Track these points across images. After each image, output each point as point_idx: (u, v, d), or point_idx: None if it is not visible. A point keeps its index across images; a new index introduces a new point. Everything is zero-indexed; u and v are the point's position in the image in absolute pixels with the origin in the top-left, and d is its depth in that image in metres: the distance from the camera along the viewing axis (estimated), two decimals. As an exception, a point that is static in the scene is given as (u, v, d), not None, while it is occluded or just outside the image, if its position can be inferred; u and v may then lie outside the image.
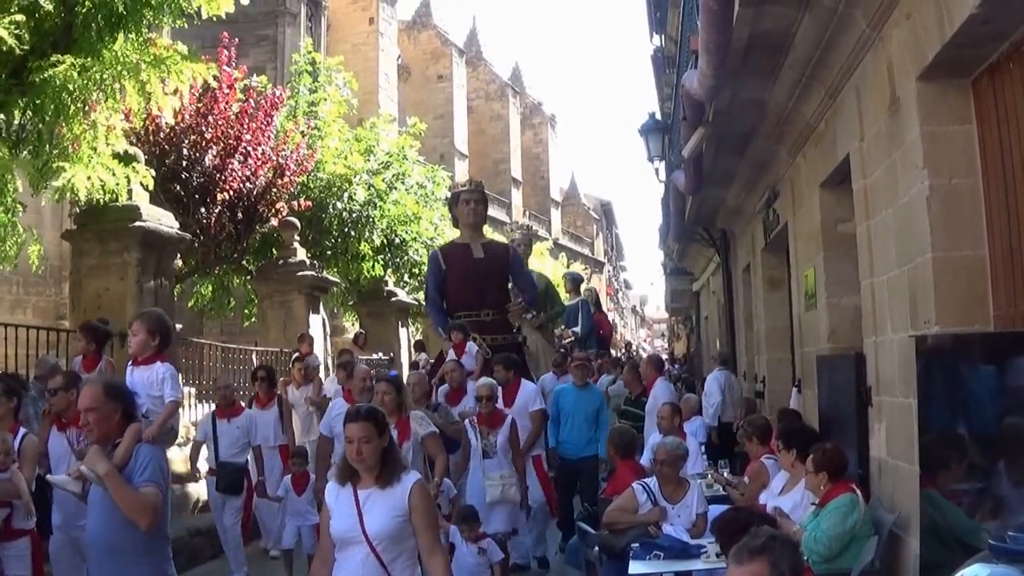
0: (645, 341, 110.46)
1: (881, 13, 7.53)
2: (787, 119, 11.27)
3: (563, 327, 23.44)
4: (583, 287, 27.10)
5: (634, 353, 31.02)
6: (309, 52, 30.75)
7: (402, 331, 28.51)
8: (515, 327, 16.61)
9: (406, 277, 28.62)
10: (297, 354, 17.24)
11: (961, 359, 6.67)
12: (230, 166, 19.45)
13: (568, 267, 53.82)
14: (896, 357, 7.81)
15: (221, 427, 12.47)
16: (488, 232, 19.74)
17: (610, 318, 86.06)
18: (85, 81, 10.63)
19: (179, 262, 17.87)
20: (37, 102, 10.72)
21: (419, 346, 25.18)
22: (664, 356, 32.57)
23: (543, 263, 45.75)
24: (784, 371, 15.35)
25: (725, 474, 11.40)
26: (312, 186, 24.68)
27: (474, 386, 12.23)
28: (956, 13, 6.01)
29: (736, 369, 19.93)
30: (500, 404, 12.10)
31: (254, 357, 19.57)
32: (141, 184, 13.26)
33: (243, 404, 13.51)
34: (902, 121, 7.38)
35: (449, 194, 18.70)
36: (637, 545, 8.33)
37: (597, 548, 9.29)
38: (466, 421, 11.71)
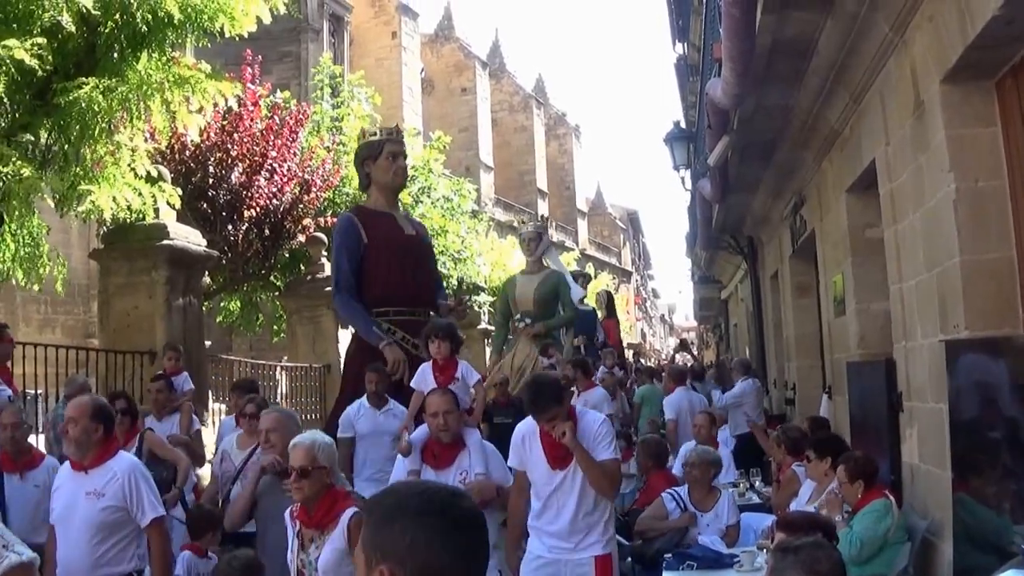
0: (674, 350, 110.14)
1: (903, 17, 7.51)
2: (812, 125, 11.24)
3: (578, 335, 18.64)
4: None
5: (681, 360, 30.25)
6: (329, 67, 30.87)
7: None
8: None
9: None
10: (162, 374, 12.44)
11: (991, 363, 6.63)
12: (256, 183, 19.56)
13: (595, 277, 53.68)
14: (926, 362, 7.77)
15: (11, 485, 8.21)
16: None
17: (639, 327, 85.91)
18: (109, 102, 10.71)
19: (207, 279, 17.95)
20: (62, 123, 10.82)
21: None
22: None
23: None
24: (814, 378, 15.27)
25: (757, 483, 11.35)
26: (338, 201, 24.76)
27: (477, 441, 7.89)
28: (978, 15, 5.98)
29: (766, 376, 19.88)
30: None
31: (280, 373, 19.62)
32: (168, 203, 13.32)
33: (42, 450, 9.56)
34: (927, 124, 7.35)
35: (363, 142, 12.10)
36: (670, 555, 8.30)
37: (630, 559, 9.27)
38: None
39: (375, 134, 11.98)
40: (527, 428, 7.24)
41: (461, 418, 7.95)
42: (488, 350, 28.45)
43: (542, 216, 30.06)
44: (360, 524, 5.06)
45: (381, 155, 11.46)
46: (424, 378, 9.42)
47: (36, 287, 13.93)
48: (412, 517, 2.32)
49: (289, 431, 6.98)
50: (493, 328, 19.62)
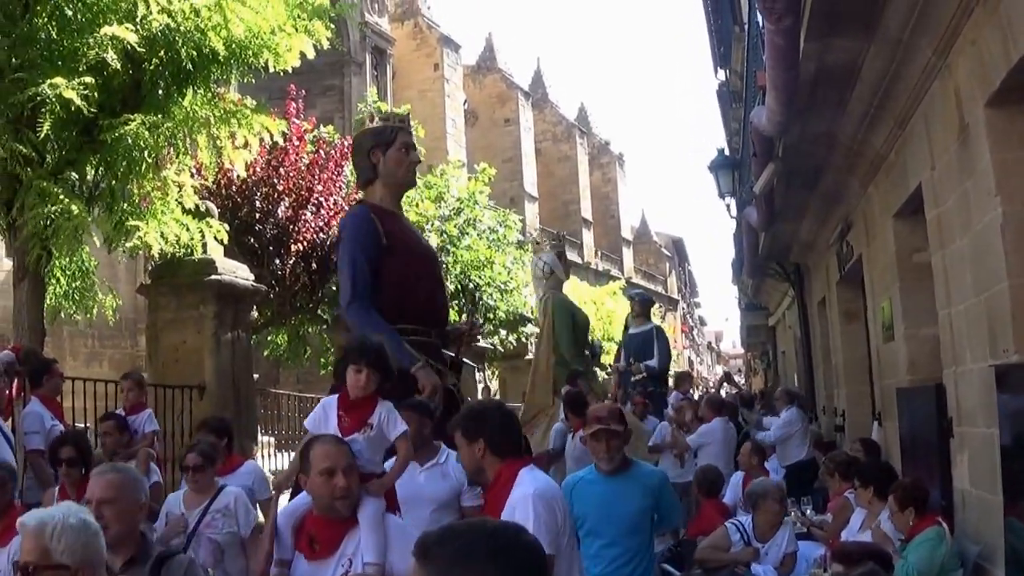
0: (719, 381, 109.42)
1: (946, 41, 7.48)
2: (857, 151, 11.19)
3: (624, 361, 17.70)
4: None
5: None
6: (375, 102, 31.09)
7: (477, 375, 28.52)
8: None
9: (480, 321, 28.69)
10: (117, 413, 10.39)
11: (1042, 387, 6.57)
12: (303, 217, 19.69)
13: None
14: (976, 387, 7.70)
15: None
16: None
17: (685, 355, 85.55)
18: (155, 138, 10.83)
19: (255, 313, 18.05)
20: (109, 160, 10.95)
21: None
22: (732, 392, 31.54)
23: (616, 303, 45.40)
24: (864, 404, 15.15)
25: (808, 511, 11.27)
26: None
27: (373, 515, 5.02)
28: (1021, 37, 5.95)
29: (815, 403, 19.74)
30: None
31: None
32: (215, 238, 13.42)
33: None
34: (972, 148, 7.31)
35: (373, 125, 8.66)
36: (723, 584, 8.27)
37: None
38: None
39: (387, 119, 8.86)
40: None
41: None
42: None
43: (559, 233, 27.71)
44: None
45: (393, 145, 8.30)
46: (325, 417, 5.64)
47: (97, 315, 14.05)
48: (487, 559, 2.31)
49: (131, 501, 4.88)
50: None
